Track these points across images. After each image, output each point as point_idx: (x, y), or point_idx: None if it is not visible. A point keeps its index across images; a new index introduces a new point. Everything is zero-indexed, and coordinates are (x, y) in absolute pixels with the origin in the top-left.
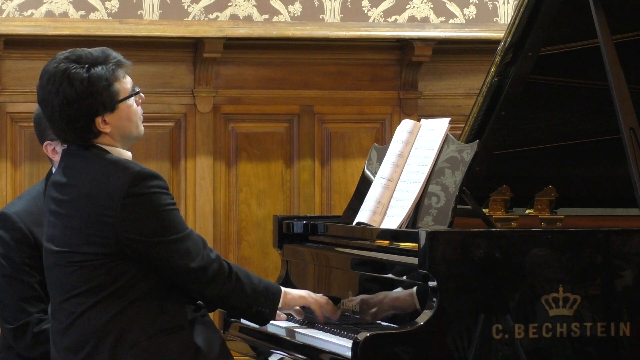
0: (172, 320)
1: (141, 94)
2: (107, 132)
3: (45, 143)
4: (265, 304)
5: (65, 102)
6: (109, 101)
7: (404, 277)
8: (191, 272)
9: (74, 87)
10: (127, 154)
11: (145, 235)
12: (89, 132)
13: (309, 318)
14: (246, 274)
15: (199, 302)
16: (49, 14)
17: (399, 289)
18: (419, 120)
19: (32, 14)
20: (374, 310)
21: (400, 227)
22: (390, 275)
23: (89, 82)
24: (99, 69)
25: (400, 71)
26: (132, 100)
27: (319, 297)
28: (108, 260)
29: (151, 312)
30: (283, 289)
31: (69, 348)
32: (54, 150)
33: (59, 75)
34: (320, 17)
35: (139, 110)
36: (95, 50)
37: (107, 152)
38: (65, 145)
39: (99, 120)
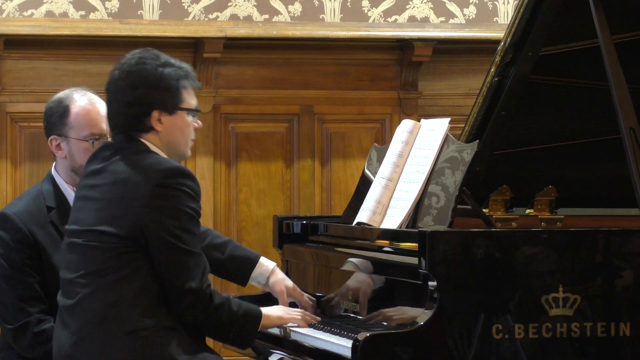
0: (172, 317)
1: (200, 122)
2: (157, 131)
3: (51, 137)
4: (241, 329)
5: (131, 85)
6: (171, 102)
7: (404, 277)
8: (179, 291)
9: (146, 74)
10: None
11: (161, 228)
12: (141, 122)
13: None
14: (227, 305)
15: None
16: (49, 14)
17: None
18: (419, 120)
19: (32, 14)
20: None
21: (400, 227)
22: (390, 276)
23: (160, 76)
24: (172, 70)
25: (400, 71)
26: (190, 117)
27: (295, 314)
28: (120, 245)
29: (153, 304)
30: (263, 312)
31: (71, 327)
32: (59, 146)
33: (134, 61)
34: (320, 17)
35: (192, 133)
36: (174, 59)
37: (150, 148)
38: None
39: (155, 114)
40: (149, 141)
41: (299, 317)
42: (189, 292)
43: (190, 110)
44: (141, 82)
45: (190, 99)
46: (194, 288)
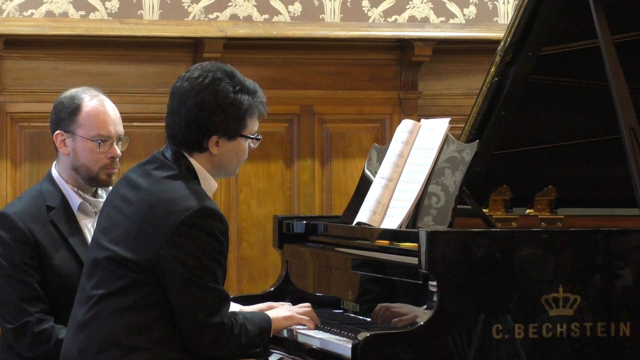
0: (177, 353)
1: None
2: (212, 154)
3: (57, 132)
4: (259, 344)
5: (199, 105)
6: (234, 129)
7: (404, 277)
8: (200, 327)
9: (216, 97)
10: (214, 184)
11: (183, 267)
12: (198, 143)
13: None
14: (245, 328)
15: None
16: (49, 14)
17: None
18: (419, 120)
19: (32, 14)
20: (386, 316)
21: (400, 227)
22: (390, 276)
23: (231, 102)
24: (245, 97)
25: (400, 71)
26: (248, 142)
27: (303, 310)
28: (138, 274)
29: (157, 339)
30: (271, 317)
31: (78, 342)
32: (64, 142)
33: (210, 79)
34: (320, 17)
35: (246, 155)
36: (248, 80)
37: (195, 177)
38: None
39: (214, 139)
40: (199, 162)
41: (307, 318)
42: (212, 327)
43: (251, 138)
44: (209, 105)
45: (253, 126)
46: (217, 323)
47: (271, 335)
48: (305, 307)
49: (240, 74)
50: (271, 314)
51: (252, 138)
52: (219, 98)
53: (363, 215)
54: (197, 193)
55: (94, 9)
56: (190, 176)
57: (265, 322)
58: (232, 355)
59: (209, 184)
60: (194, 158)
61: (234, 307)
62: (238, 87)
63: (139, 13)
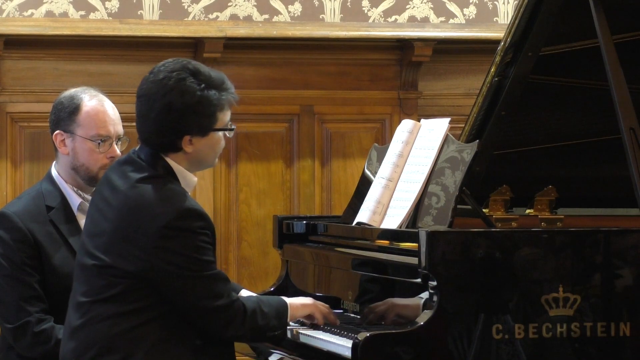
0: (177, 352)
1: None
2: (187, 152)
3: (56, 132)
4: (276, 327)
5: (167, 108)
6: (206, 126)
7: (404, 277)
8: (212, 312)
9: (183, 98)
10: (193, 179)
11: (176, 267)
12: (171, 144)
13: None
14: (259, 309)
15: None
16: (49, 14)
17: (403, 299)
18: (419, 120)
19: (32, 14)
20: (378, 317)
21: (400, 227)
22: (390, 276)
23: (198, 101)
24: (212, 93)
25: (400, 71)
26: (222, 133)
27: (322, 307)
28: (128, 281)
29: (156, 340)
30: (288, 302)
31: (72, 346)
32: (63, 142)
33: (174, 80)
34: (320, 17)
35: (223, 144)
36: (215, 73)
37: (174, 175)
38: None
39: (186, 138)
40: (176, 161)
41: (321, 313)
42: (223, 309)
43: (224, 130)
44: (177, 107)
45: (225, 117)
46: (226, 304)
47: (289, 320)
48: (326, 306)
49: (206, 67)
50: (289, 299)
51: (226, 130)
52: (186, 98)
53: (363, 215)
54: (174, 194)
55: (94, 9)
56: (168, 176)
57: (281, 305)
58: (251, 338)
59: (188, 180)
60: (170, 158)
61: (245, 293)
62: (204, 84)
63: (139, 13)
